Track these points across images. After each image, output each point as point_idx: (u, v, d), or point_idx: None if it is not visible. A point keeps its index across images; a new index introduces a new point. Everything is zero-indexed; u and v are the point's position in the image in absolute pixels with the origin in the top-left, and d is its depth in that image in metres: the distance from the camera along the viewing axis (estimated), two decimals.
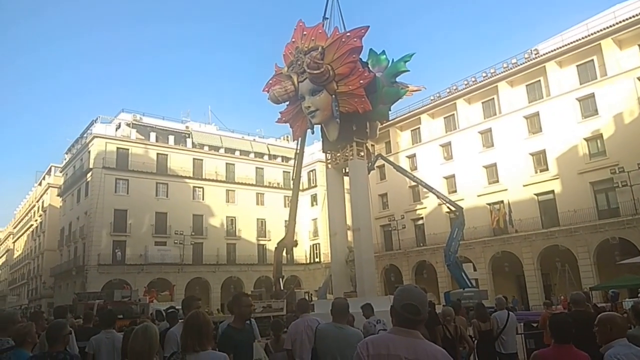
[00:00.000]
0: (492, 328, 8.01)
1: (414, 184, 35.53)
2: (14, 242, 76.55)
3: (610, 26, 29.55)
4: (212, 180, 46.16)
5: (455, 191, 36.81)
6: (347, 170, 21.24)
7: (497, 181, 34.74)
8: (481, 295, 23.94)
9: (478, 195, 35.16)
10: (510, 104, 34.65)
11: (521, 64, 34.06)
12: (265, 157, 52.24)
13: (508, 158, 33.78)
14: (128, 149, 42.67)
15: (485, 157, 35.65)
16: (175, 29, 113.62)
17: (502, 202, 33.82)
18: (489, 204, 34.71)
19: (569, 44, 31.51)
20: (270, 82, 20.37)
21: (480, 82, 36.55)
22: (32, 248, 60.51)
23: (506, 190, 33.66)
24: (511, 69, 34.55)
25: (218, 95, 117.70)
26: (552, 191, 31.52)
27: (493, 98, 36.30)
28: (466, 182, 36.25)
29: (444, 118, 39.89)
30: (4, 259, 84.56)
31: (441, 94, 39.68)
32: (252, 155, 51.06)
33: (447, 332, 7.04)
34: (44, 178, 61.54)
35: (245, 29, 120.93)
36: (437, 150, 39.35)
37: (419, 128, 41.69)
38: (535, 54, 33.81)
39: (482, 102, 37.11)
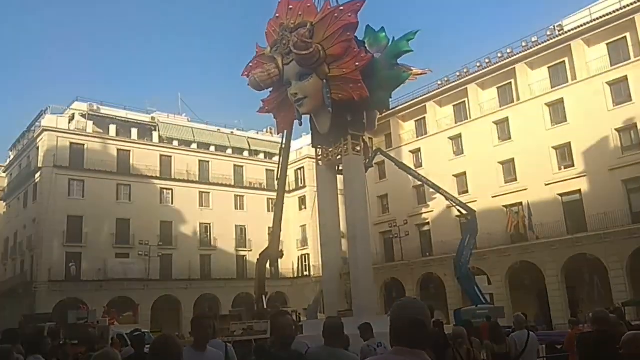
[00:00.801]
0: (509, 351, 8.02)
1: (418, 183, 35.59)
2: None
3: None
4: (183, 181, 45.98)
5: (467, 191, 36.97)
6: (340, 168, 21.30)
7: (515, 179, 34.94)
8: (497, 313, 24.03)
9: (493, 196, 35.34)
10: (530, 89, 34.87)
11: (543, 43, 34.27)
12: (245, 153, 52.13)
13: (528, 152, 33.95)
14: (83, 145, 42.37)
15: (501, 151, 35.84)
16: (139, 4, 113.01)
17: (520, 204, 34.01)
18: (505, 207, 34.90)
19: (597, 19, 31.74)
20: (251, 64, 20.35)
21: (495, 63, 36.74)
22: None
23: (525, 190, 33.86)
24: (531, 48, 34.76)
25: (190, 81, 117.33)
26: (579, 191, 31.75)
27: (510, 82, 36.50)
28: (479, 181, 36.43)
29: (454, 106, 40.05)
30: None
31: (450, 78, 39.87)
32: (229, 151, 50.94)
33: (458, 355, 7.04)
34: None
35: (221, 3, 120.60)
36: (445, 144, 39.50)
37: (424, 118, 41.82)
38: (559, 31, 34.05)
39: (498, 87, 37.30)
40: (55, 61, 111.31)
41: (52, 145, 40.74)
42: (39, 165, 40.81)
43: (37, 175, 41.08)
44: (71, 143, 41.87)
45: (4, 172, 52.57)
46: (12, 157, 50.44)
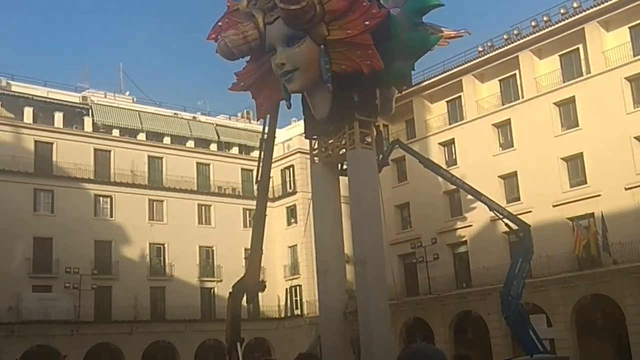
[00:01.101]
0: None
1: (451, 188, 35.62)
2: None
3: None
4: (127, 185, 46.04)
5: (518, 199, 37.14)
6: (344, 167, 21.33)
7: (585, 182, 35.07)
8: None
9: (554, 205, 35.45)
10: (605, 58, 34.95)
11: None
12: (213, 146, 52.29)
13: (601, 145, 34.01)
14: None
15: (565, 143, 35.94)
16: None
17: (592, 215, 34.10)
18: (571, 219, 35.01)
19: None
20: (220, 24, 20.36)
21: (556, 23, 36.87)
22: None
23: (599, 196, 33.94)
24: (603, 2, 34.85)
25: (135, 49, 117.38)
26: None
27: (578, 48, 36.66)
28: (535, 184, 36.52)
29: (500, 81, 40.24)
30: None
31: (496, 43, 40.03)
32: (191, 143, 51.08)
33: None
34: None
35: None
36: (488, 134, 39.63)
37: (459, 98, 42.01)
38: None
39: (560, 56, 37.48)
40: None
41: None
42: None
43: None
44: None
45: None
46: None
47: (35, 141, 43.96)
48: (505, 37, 39.57)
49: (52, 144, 44.46)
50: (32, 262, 41.43)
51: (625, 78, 34.01)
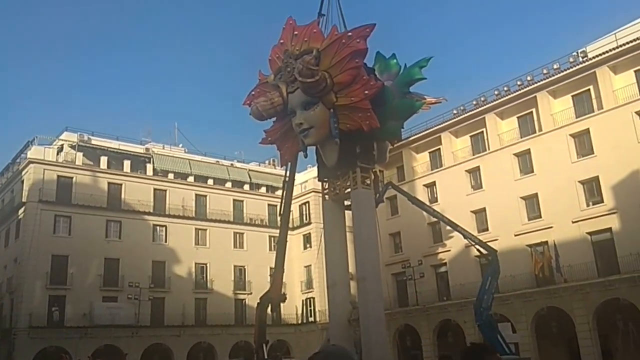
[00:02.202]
0: None
1: (434, 220, 35.51)
2: None
3: None
4: (178, 217, 46.07)
5: (487, 229, 36.83)
6: (349, 203, 21.33)
7: (540, 216, 34.83)
8: None
9: (515, 235, 35.18)
10: (553, 119, 35.07)
11: (566, 70, 34.64)
12: (246, 187, 52.32)
13: (552, 187, 33.93)
14: (72, 178, 42.67)
15: (523, 185, 35.83)
16: (133, 29, 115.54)
17: (546, 243, 33.80)
18: (530, 246, 34.67)
19: (624, 44, 32.14)
20: (253, 93, 20.66)
21: (515, 92, 37.10)
22: None
23: (551, 227, 33.71)
24: (553, 75, 35.14)
25: (187, 110, 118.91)
26: (610, 229, 31.56)
27: (531, 112, 36.77)
28: (500, 218, 36.32)
29: (471, 137, 40.29)
30: None
31: (467, 107, 40.27)
32: (228, 185, 51.15)
33: None
34: None
35: (222, 25, 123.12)
36: (462, 177, 39.58)
37: (439, 149, 42.03)
38: (583, 58, 34.45)
39: (518, 117, 37.56)
40: (44, 89, 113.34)
41: (38, 179, 41.03)
42: (23, 200, 41.00)
43: (21, 210, 41.24)
44: (59, 176, 42.17)
45: None
46: None
47: (109, 183, 44.23)
48: (474, 102, 39.82)
49: (121, 185, 44.74)
50: (103, 278, 41.35)
51: (570, 135, 34.10)
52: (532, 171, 35.71)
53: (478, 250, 29.58)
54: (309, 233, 49.76)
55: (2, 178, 49.46)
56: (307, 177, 48.36)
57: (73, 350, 35.63)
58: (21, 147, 45.97)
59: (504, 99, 37.67)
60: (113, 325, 39.58)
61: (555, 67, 35.44)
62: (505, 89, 37.86)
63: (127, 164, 46.15)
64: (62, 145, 44.63)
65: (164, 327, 42.29)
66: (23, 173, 42.54)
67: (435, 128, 41.60)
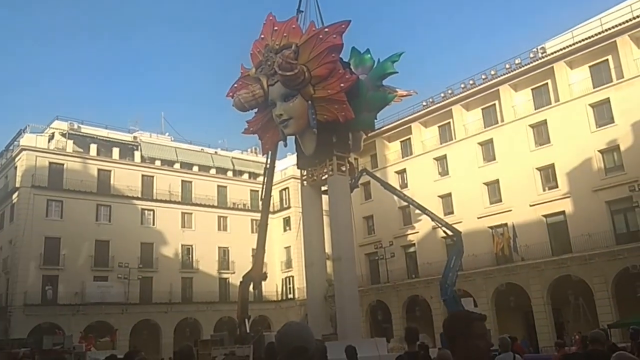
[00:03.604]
0: None
1: (404, 204, 35.76)
2: None
3: (627, 21, 30.67)
4: (165, 202, 45.74)
5: (452, 212, 37.26)
6: (325, 189, 21.42)
7: (500, 200, 35.34)
8: None
9: (478, 217, 35.67)
10: (513, 111, 35.50)
11: (526, 65, 35.02)
12: (229, 173, 52.08)
13: (512, 173, 34.44)
14: (63, 164, 42.02)
15: (486, 172, 36.29)
16: (120, 16, 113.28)
17: (505, 225, 34.33)
18: (491, 228, 35.21)
19: (580, 41, 32.57)
20: (236, 85, 20.55)
21: (479, 85, 37.41)
22: None
23: (510, 211, 34.25)
24: (514, 70, 35.49)
25: (173, 100, 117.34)
26: (563, 212, 32.19)
27: (494, 104, 37.13)
28: (465, 202, 36.78)
29: (439, 127, 40.56)
30: None
31: (435, 99, 40.45)
32: (213, 171, 50.85)
33: None
34: None
35: (206, 21, 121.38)
36: (430, 165, 39.91)
37: (409, 139, 42.26)
38: (542, 53, 34.86)
39: (482, 109, 37.92)
40: (35, 79, 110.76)
41: (30, 165, 40.33)
42: (17, 185, 40.31)
43: (15, 195, 40.56)
44: (50, 163, 41.48)
45: None
46: None
47: (98, 169, 43.65)
48: (442, 95, 40.06)
49: (110, 171, 44.19)
50: (94, 259, 40.98)
51: (529, 125, 34.54)
52: (494, 159, 36.16)
53: (444, 231, 29.91)
54: (289, 216, 49.79)
55: None
56: (287, 164, 48.28)
57: (66, 326, 35.27)
58: (14, 135, 45.21)
59: (470, 91, 37.97)
60: (104, 302, 39.35)
61: (517, 62, 35.79)
62: (471, 82, 38.14)
63: (115, 151, 45.58)
64: (53, 133, 43.88)
65: (152, 305, 42.13)
66: (16, 160, 41.78)
67: (406, 119, 41.78)
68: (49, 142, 43.16)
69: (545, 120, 33.76)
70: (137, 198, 44.41)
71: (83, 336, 30.73)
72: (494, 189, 36.05)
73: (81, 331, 34.13)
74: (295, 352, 2.53)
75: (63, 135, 43.91)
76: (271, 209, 34.18)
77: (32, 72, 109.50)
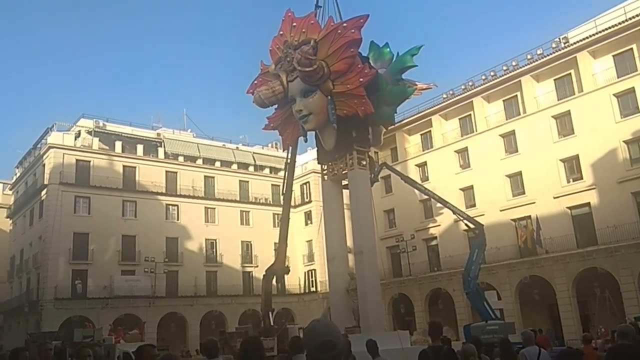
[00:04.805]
0: None
1: (425, 197, 35.60)
2: None
3: None
4: (189, 197, 46.13)
5: (474, 205, 36.92)
6: (346, 183, 21.38)
7: (523, 193, 34.89)
8: (507, 329, 23.84)
9: (501, 210, 35.28)
10: (536, 102, 34.94)
11: (548, 55, 34.40)
12: (251, 168, 52.30)
13: (535, 165, 33.95)
14: (89, 161, 42.65)
15: (508, 164, 35.84)
16: (143, 19, 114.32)
17: (529, 217, 33.93)
18: (514, 220, 34.81)
19: (603, 30, 31.86)
20: (256, 82, 20.58)
21: (501, 76, 36.89)
22: None
23: (534, 203, 33.80)
24: (537, 60, 34.90)
25: (194, 97, 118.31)
26: (588, 204, 31.66)
27: (516, 95, 36.60)
28: (487, 195, 36.39)
29: (459, 119, 40.16)
30: None
31: (455, 91, 40.05)
32: (235, 167, 51.13)
33: None
34: None
35: (226, 18, 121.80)
36: (451, 158, 39.55)
37: (430, 132, 41.94)
38: (565, 43, 34.19)
39: (504, 100, 37.40)
40: (61, 78, 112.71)
41: (58, 163, 41.04)
42: (45, 182, 41.04)
43: (43, 192, 41.34)
44: (77, 160, 42.14)
45: (10, 189, 52.87)
46: (18, 174, 50.77)
47: (123, 166, 44.19)
48: (462, 87, 39.60)
49: (135, 167, 44.74)
50: (121, 254, 41.56)
51: (552, 116, 34.00)
52: (517, 151, 35.68)
53: (466, 224, 29.65)
54: (310, 211, 49.85)
55: (24, 162, 49.52)
56: (308, 159, 48.26)
57: (95, 319, 35.97)
58: (41, 133, 45.98)
59: (491, 83, 37.48)
60: (131, 296, 39.94)
61: (538, 52, 35.19)
62: (492, 73, 37.65)
63: (140, 148, 46.07)
64: (80, 131, 44.49)
65: (178, 298, 42.66)
66: (44, 157, 42.55)
67: (426, 112, 41.45)
68: (75, 139, 43.80)
69: (569, 111, 33.17)
70: (162, 194, 44.88)
71: (112, 329, 31.28)
72: (516, 181, 35.59)
73: (110, 324, 34.69)
74: (324, 346, 2.53)
75: (89, 133, 44.49)
76: (292, 204, 34.35)
77: (59, 73, 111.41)
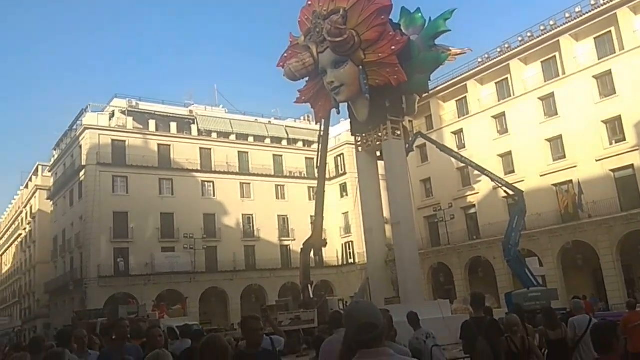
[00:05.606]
0: (564, 337, 7.95)
1: (462, 165, 35.23)
2: (0, 256, 79.38)
3: None
4: (223, 173, 46.74)
5: (513, 171, 36.36)
6: (381, 153, 21.33)
7: (564, 157, 34.16)
8: (550, 295, 23.76)
9: (541, 175, 34.67)
10: (576, 62, 33.85)
11: (587, 13, 33.13)
12: (284, 142, 52.57)
13: (576, 128, 33.11)
14: (125, 141, 43.56)
15: (548, 128, 35.02)
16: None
17: (570, 181, 33.30)
18: (554, 185, 34.21)
19: None
20: (286, 55, 20.54)
21: (538, 37, 35.76)
22: (23, 261, 62.61)
23: (575, 167, 33.09)
24: (575, 19, 33.68)
25: (225, 72, 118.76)
26: (632, 165, 30.80)
27: (555, 56, 35.49)
28: (526, 160, 35.77)
29: (496, 84, 39.27)
30: None
31: (491, 54, 39.02)
32: (268, 141, 51.44)
33: (512, 345, 7.04)
34: (30, 179, 63.33)
35: None
36: (488, 123, 38.87)
37: (465, 98, 41.19)
38: (604, 0, 32.82)
39: (542, 62, 36.32)
40: (94, 59, 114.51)
41: (94, 143, 42.03)
42: (83, 163, 42.17)
43: (82, 173, 42.50)
44: (113, 140, 43.07)
45: (49, 171, 54.52)
46: (56, 156, 52.18)
47: (158, 144, 44.98)
48: (498, 50, 38.55)
49: (169, 145, 45.49)
50: (160, 231, 42.63)
51: (593, 76, 32.95)
52: (556, 114, 34.78)
53: (505, 191, 29.36)
54: (345, 183, 49.96)
55: (61, 144, 50.80)
56: (341, 131, 48.16)
57: (139, 295, 37.17)
58: (76, 114, 47.03)
59: (528, 44, 36.37)
60: (172, 272, 41.07)
61: (577, 10, 33.90)
62: (529, 34, 36.49)
63: (173, 125, 46.72)
64: (113, 111, 45.28)
65: (218, 273, 43.65)
66: (80, 139, 43.60)
67: (461, 77, 40.60)
68: (109, 120, 44.67)
69: (610, 70, 32.06)
70: (197, 170, 45.58)
71: (155, 305, 32.38)
72: (556, 144, 34.81)
73: (153, 300, 35.91)
74: (365, 328, 2.60)
75: (123, 112, 45.28)
76: (327, 176, 34.41)
77: (91, 53, 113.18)
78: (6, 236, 76.22)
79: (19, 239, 65.96)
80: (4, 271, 75.57)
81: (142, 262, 40.91)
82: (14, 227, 70.84)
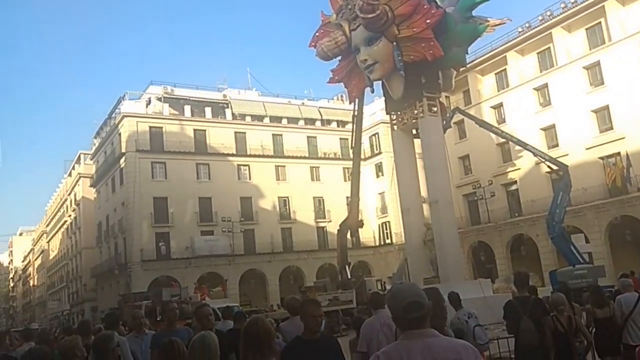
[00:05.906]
0: (612, 315, 7.72)
1: (502, 140, 34.45)
2: (48, 242, 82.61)
3: None
4: (258, 156, 47.06)
5: (557, 145, 35.38)
6: (417, 132, 20.98)
7: (611, 128, 33.02)
8: (597, 272, 23.16)
9: (587, 148, 33.62)
10: (622, 28, 32.43)
11: None
12: (318, 123, 52.42)
13: (624, 98, 31.86)
14: (161, 127, 44.28)
15: (593, 99, 33.83)
16: None
17: (618, 154, 32.23)
18: (601, 158, 33.19)
19: None
20: (317, 34, 20.30)
21: (582, 2, 34.40)
22: (69, 247, 65.06)
23: (623, 138, 31.96)
24: None
25: (257, 56, 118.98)
26: None
27: (600, 22, 34.13)
28: (571, 133, 34.72)
29: (538, 54, 38.06)
30: (39, 260, 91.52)
31: (532, 23, 37.80)
32: (301, 123, 51.41)
33: (558, 324, 6.86)
34: (73, 168, 65.40)
35: None
36: (530, 96, 37.80)
37: (505, 70, 40.12)
38: None
39: (586, 29, 34.99)
40: (129, 48, 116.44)
41: (132, 131, 42.90)
42: (123, 150, 43.18)
43: (122, 160, 43.56)
44: (150, 127, 43.85)
45: (91, 159, 56.15)
46: (96, 144, 53.62)
47: (194, 130, 45.53)
48: (540, 18, 37.29)
49: (205, 130, 45.98)
50: (199, 215, 43.36)
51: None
52: (603, 83, 33.53)
53: (548, 166, 28.60)
54: (380, 162, 49.61)
55: (101, 132, 52.13)
56: (375, 109, 47.66)
57: (180, 278, 38.00)
58: (114, 103, 48.07)
59: (571, 11, 35.02)
60: (212, 255, 41.83)
61: None
62: (572, 0, 35.12)
63: (208, 110, 47.22)
64: (150, 98, 46.08)
65: (256, 255, 44.22)
66: (119, 126, 44.58)
67: (501, 48, 39.50)
68: (146, 107, 45.52)
69: None
70: (232, 155, 46.03)
71: (197, 287, 33.14)
72: (603, 116, 33.63)
73: (194, 282, 36.77)
74: (411, 306, 2.60)
75: (159, 99, 45.94)
76: (362, 156, 34.28)
77: (127, 42, 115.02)
78: (52, 223, 79.12)
79: (65, 226, 68.42)
80: (51, 257, 78.64)
81: (183, 246, 41.83)
82: (59, 214, 73.43)
